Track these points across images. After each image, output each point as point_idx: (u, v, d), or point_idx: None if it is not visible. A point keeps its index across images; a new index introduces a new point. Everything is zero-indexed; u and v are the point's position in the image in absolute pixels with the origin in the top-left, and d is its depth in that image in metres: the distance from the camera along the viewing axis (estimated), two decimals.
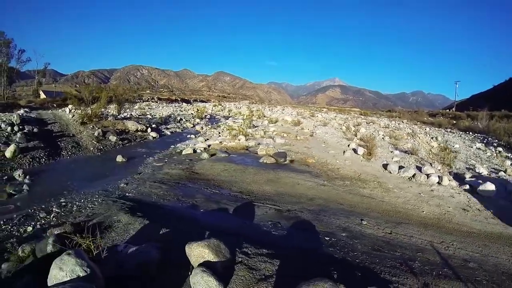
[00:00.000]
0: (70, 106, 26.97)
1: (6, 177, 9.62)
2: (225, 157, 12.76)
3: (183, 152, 14.21)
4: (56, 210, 6.97)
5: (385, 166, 11.75)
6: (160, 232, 4.97)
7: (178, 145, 17.04)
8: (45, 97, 41.99)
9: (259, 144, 16.33)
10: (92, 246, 3.72)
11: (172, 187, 8.73)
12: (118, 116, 21.31)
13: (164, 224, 5.30)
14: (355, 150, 14.22)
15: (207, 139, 19.02)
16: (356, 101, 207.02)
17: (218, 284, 3.08)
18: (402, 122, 35.61)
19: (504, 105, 42.89)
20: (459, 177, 10.36)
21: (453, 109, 59.97)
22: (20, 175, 9.83)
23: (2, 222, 6.33)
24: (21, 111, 20.59)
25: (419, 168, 10.88)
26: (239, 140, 17.14)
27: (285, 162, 12.03)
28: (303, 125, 25.93)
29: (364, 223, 6.44)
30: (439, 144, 17.54)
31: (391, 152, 15.06)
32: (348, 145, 16.48)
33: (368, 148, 14.02)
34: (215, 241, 3.72)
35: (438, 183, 9.49)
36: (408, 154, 14.55)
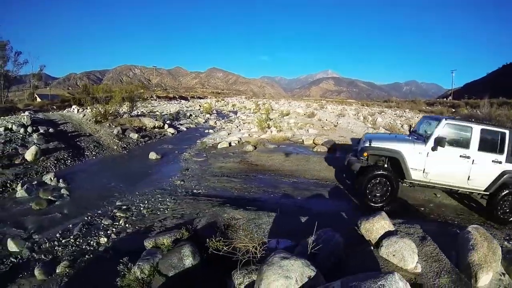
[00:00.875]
0: (74, 106, 25.41)
1: (35, 182, 8.17)
2: (274, 148, 11.91)
3: (219, 146, 13.14)
4: (121, 214, 5.67)
5: None
6: (302, 221, 4.44)
7: (204, 139, 15.74)
8: (40, 100, 39.95)
9: (294, 135, 15.38)
10: (258, 249, 2.99)
11: (244, 179, 7.84)
12: (132, 114, 19.82)
13: (290, 214, 4.82)
14: None
15: (230, 133, 17.89)
16: (350, 92, 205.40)
17: (416, 246, 3.19)
18: (405, 111, 35.16)
19: (499, 92, 42.50)
20: None
21: (450, 97, 59.61)
22: (52, 178, 8.40)
23: (58, 235, 5.01)
24: (26, 113, 18.92)
25: None
26: (271, 132, 16.14)
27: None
28: (318, 117, 25.01)
29: (439, 195, 7.12)
30: None
31: None
32: None
33: None
34: (384, 213, 3.68)
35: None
36: None
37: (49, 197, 7.10)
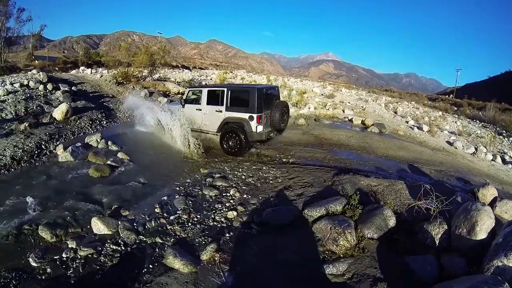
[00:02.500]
0: (82, 68, 23.53)
1: (79, 144, 6.88)
2: (329, 124, 11.81)
3: None
4: (224, 184, 4.74)
5: (449, 142, 12.57)
6: (428, 188, 4.10)
7: None
8: (37, 62, 37.27)
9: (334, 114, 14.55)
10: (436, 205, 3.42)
11: (327, 151, 7.69)
12: (154, 78, 18.31)
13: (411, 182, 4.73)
14: (419, 128, 14.86)
15: None
16: (349, 77, 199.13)
17: None
18: (410, 103, 34.55)
19: (499, 97, 41.72)
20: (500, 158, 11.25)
21: (452, 95, 59.16)
22: (99, 140, 7.19)
23: (158, 211, 3.89)
24: (34, 71, 17.16)
25: (475, 147, 11.95)
26: (309, 108, 15.19)
27: (386, 132, 11.86)
28: (339, 99, 24.03)
29: (488, 180, 7.10)
30: (464, 129, 17.98)
31: (441, 131, 15.30)
32: (407, 122, 16.55)
33: (430, 127, 15.33)
34: (487, 184, 4.35)
35: (492, 160, 10.59)
36: (455, 135, 15.31)
37: (109, 162, 5.93)
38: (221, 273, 2.74)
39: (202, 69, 69.85)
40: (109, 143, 7.12)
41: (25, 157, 6.21)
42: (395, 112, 21.14)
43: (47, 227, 3.45)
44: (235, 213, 3.81)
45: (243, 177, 5.09)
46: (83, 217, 3.75)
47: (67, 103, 9.30)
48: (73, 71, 20.73)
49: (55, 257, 3.01)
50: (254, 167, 5.63)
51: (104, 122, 9.38)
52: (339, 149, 8.15)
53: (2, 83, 11.23)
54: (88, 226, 3.54)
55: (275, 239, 3.29)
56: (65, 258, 3.00)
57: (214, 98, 7.32)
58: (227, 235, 3.38)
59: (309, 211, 3.69)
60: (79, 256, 3.02)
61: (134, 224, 3.59)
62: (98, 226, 3.47)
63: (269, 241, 3.27)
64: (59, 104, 9.39)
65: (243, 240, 3.30)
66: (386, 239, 3.17)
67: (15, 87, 10.73)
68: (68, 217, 3.77)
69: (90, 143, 7.15)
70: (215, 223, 3.63)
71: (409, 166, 7.37)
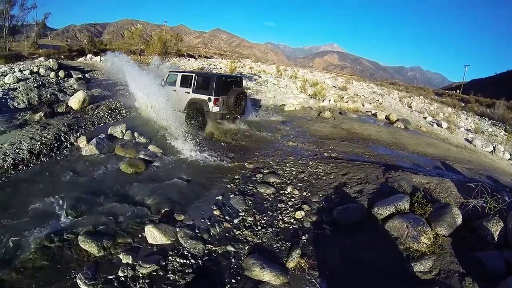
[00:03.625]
0: (89, 55, 22.92)
1: (103, 135, 6.34)
2: (356, 118, 11.64)
3: (286, 108, 11.96)
4: (277, 181, 4.37)
5: (467, 140, 12.55)
6: (472, 186, 4.12)
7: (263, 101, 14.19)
8: (41, 50, 36.44)
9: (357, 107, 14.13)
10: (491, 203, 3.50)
11: (363, 146, 7.51)
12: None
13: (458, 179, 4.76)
14: (438, 124, 14.92)
15: (274, 97, 16.27)
16: (354, 69, 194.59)
17: None
18: (420, 97, 33.96)
19: (507, 94, 40.99)
20: None
21: (459, 91, 58.48)
22: (124, 131, 6.69)
23: (217, 213, 3.45)
24: (41, 59, 16.57)
25: (493, 146, 11.96)
26: (329, 101, 14.72)
27: (411, 128, 11.88)
28: (351, 91, 23.42)
29: None
30: (477, 127, 17.78)
31: (458, 128, 15.19)
32: (424, 118, 16.38)
33: (449, 124, 15.37)
34: None
35: (510, 159, 10.75)
36: (472, 132, 15.30)
37: (141, 157, 5.44)
38: (314, 281, 2.45)
39: (207, 57, 68.72)
40: (136, 134, 6.64)
41: (44, 151, 5.55)
42: (410, 107, 20.85)
43: (89, 237, 2.86)
44: (302, 213, 3.50)
45: (293, 172, 4.73)
46: (130, 223, 3.19)
47: (83, 91, 8.76)
48: (81, 59, 20.10)
49: (109, 277, 2.46)
50: (300, 161, 5.28)
51: (124, 111, 8.83)
52: (374, 144, 7.97)
53: (11, 70, 10.69)
54: (140, 235, 3.00)
55: (350, 239, 3.11)
56: (123, 278, 2.46)
57: (186, 82, 8.26)
58: (303, 237, 3.08)
59: (379, 209, 3.61)
60: (140, 274, 2.50)
61: (197, 230, 3.10)
62: (154, 235, 2.94)
63: (345, 241, 3.07)
64: (74, 92, 8.89)
65: (320, 242, 3.04)
66: (455, 236, 3.26)
67: (24, 74, 10.23)
68: (112, 224, 3.17)
69: (114, 134, 6.64)
70: (285, 225, 3.30)
71: (442, 164, 7.36)
